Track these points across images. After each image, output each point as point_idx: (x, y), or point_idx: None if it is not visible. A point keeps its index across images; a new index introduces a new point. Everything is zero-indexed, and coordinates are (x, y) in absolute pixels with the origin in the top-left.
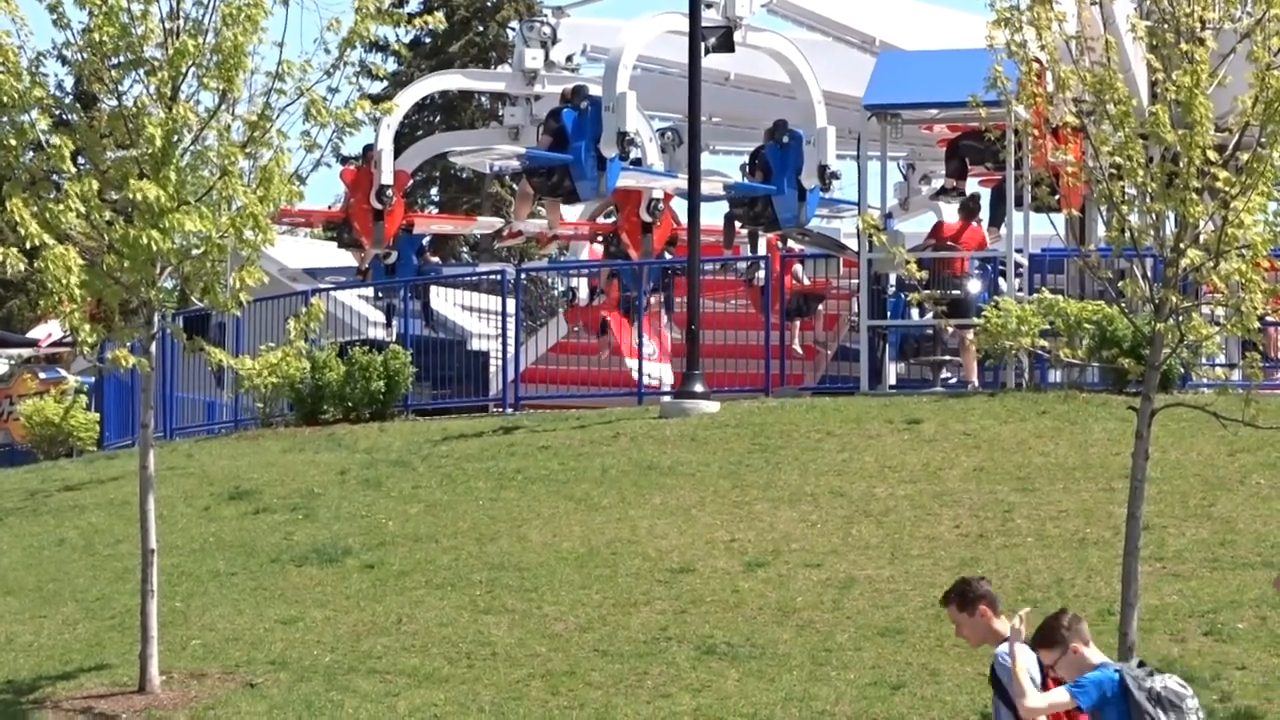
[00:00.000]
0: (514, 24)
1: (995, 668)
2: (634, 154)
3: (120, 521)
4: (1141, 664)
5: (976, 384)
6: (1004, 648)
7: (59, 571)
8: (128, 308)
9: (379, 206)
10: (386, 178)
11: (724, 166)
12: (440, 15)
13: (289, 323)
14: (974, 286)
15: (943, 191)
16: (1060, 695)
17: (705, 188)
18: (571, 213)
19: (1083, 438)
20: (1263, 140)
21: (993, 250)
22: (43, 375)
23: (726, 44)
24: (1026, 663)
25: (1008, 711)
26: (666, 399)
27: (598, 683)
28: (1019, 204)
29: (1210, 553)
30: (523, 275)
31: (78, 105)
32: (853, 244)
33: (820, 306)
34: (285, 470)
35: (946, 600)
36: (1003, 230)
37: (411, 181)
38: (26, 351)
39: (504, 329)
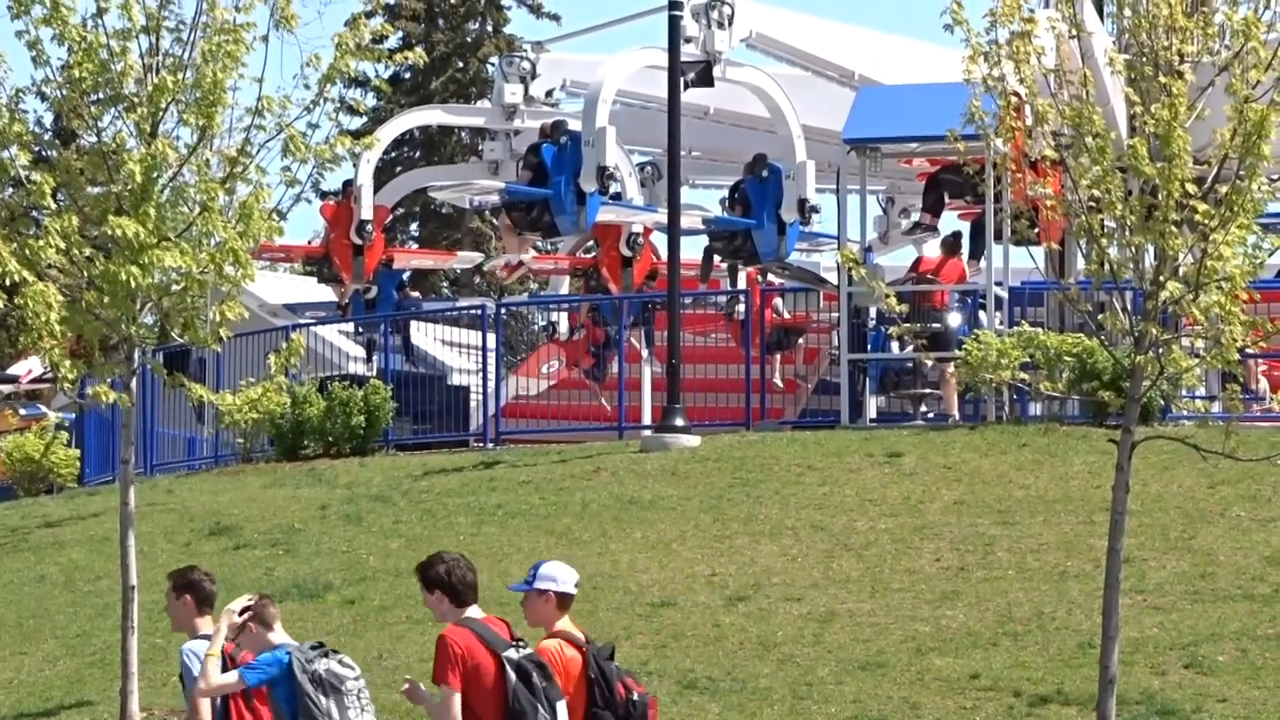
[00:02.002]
0: (494, 59)
1: (183, 658)
2: (614, 188)
3: (101, 558)
4: (318, 645)
5: (957, 417)
6: (192, 643)
7: (39, 608)
8: (108, 344)
9: (359, 241)
10: (366, 213)
11: (704, 201)
12: (420, 51)
13: (269, 358)
14: (954, 320)
15: (917, 227)
16: (230, 677)
17: (685, 222)
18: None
19: (1063, 470)
20: (1241, 173)
21: (972, 283)
22: (23, 411)
23: (706, 79)
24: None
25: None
26: (647, 433)
27: None
28: (998, 237)
29: (1191, 585)
30: (503, 310)
31: (57, 141)
32: (832, 277)
33: (800, 340)
34: (266, 506)
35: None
36: (982, 263)
37: (391, 216)
38: (7, 388)
39: (484, 364)
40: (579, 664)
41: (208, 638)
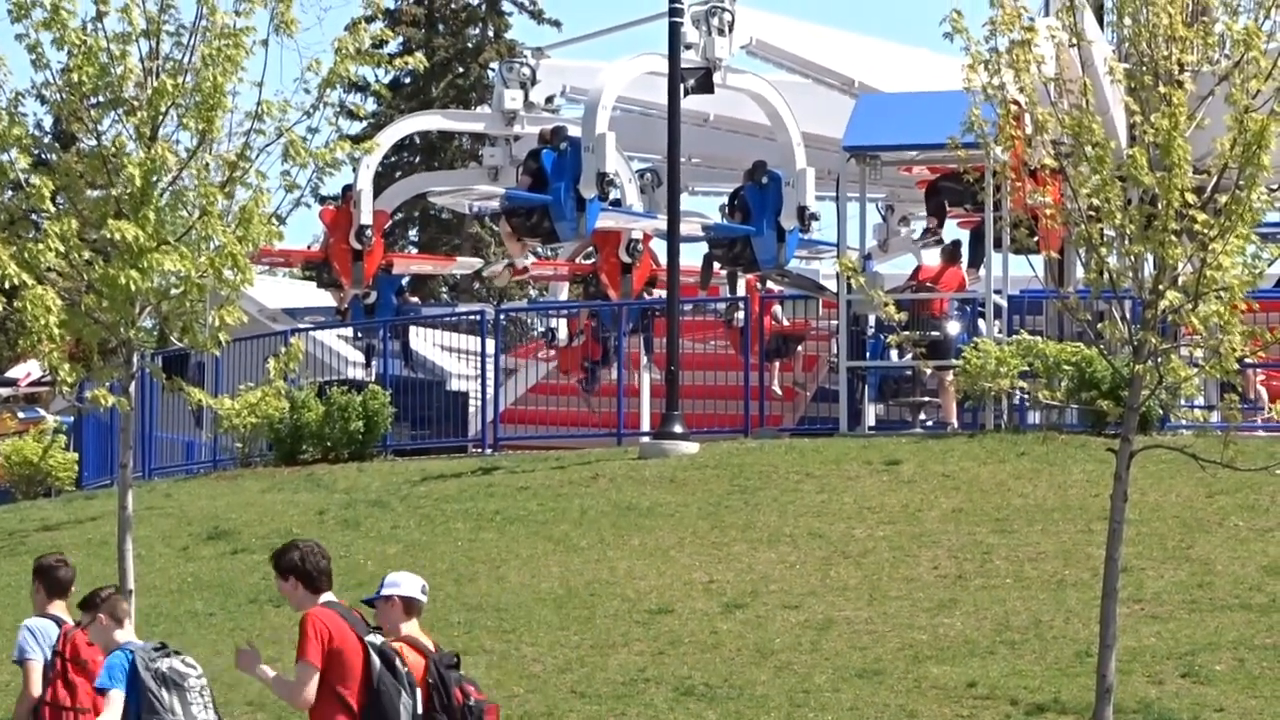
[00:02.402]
0: (494, 65)
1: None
2: (613, 195)
3: (98, 561)
4: (160, 646)
5: (955, 425)
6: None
7: None
8: (107, 347)
9: (358, 246)
10: (366, 218)
11: (703, 207)
12: (421, 56)
13: (268, 363)
14: (953, 328)
15: (927, 233)
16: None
17: (684, 229)
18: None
19: (1061, 479)
20: (1241, 182)
21: (972, 292)
22: (21, 415)
23: (706, 85)
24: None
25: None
26: (645, 440)
27: None
28: (998, 246)
29: (1188, 594)
30: (502, 316)
31: (57, 145)
32: (832, 285)
33: (799, 347)
34: (264, 510)
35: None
36: (981, 272)
37: (391, 222)
38: (5, 391)
39: (483, 369)
40: (420, 669)
41: (55, 619)
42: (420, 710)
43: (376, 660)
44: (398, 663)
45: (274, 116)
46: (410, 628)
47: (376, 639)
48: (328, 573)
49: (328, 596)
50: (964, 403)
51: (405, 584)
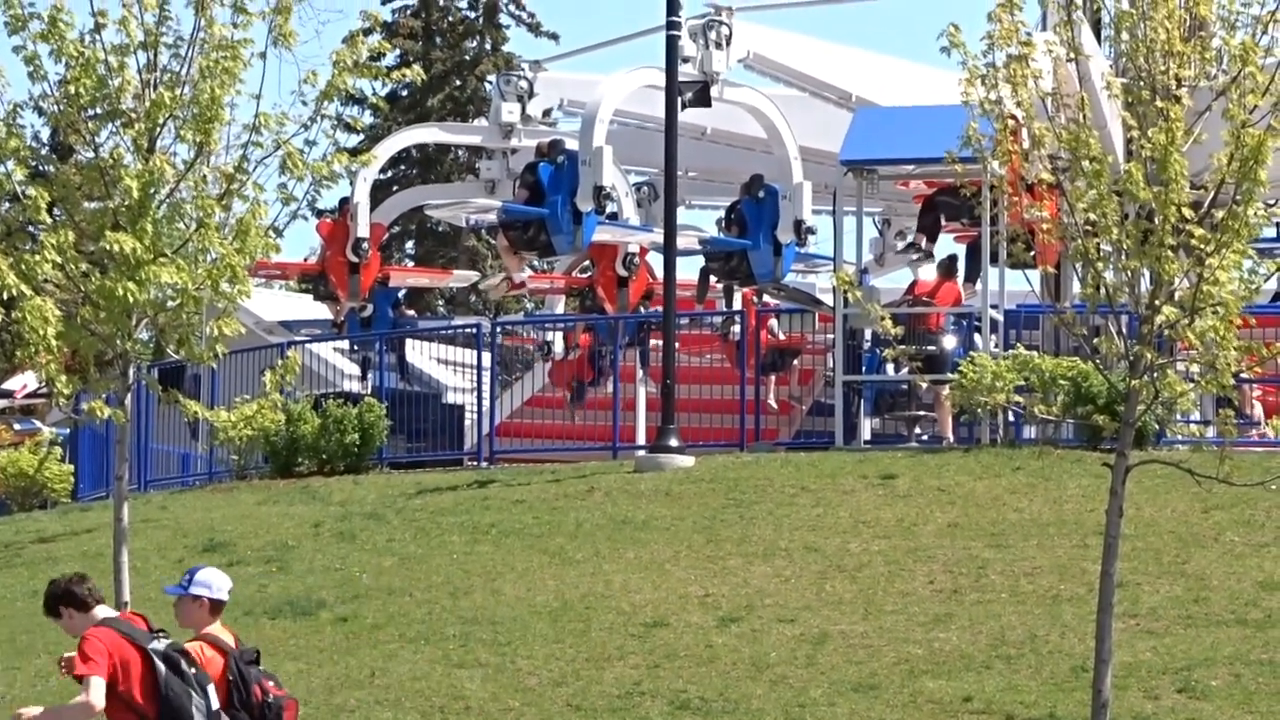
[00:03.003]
0: (491, 78)
1: None
2: (610, 208)
3: (94, 574)
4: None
5: (951, 439)
6: None
7: (32, 623)
8: (103, 359)
9: (355, 259)
10: (362, 230)
11: (700, 221)
12: (418, 68)
13: (264, 375)
14: (949, 342)
15: (911, 247)
16: None
17: (681, 242)
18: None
19: (1057, 494)
20: (1238, 198)
21: (968, 306)
22: (17, 426)
23: (703, 99)
24: None
25: None
26: (641, 453)
27: None
28: (994, 260)
29: (1184, 609)
30: (498, 329)
31: (54, 156)
32: (828, 299)
33: (795, 361)
34: (259, 523)
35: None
36: (978, 286)
37: (387, 234)
38: (1, 403)
39: (479, 382)
40: (220, 666)
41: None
42: (216, 707)
43: (161, 666)
44: (184, 665)
45: (271, 129)
46: (214, 627)
47: (160, 644)
48: (91, 589)
49: (104, 612)
50: (960, 417)
51: (215, 585)
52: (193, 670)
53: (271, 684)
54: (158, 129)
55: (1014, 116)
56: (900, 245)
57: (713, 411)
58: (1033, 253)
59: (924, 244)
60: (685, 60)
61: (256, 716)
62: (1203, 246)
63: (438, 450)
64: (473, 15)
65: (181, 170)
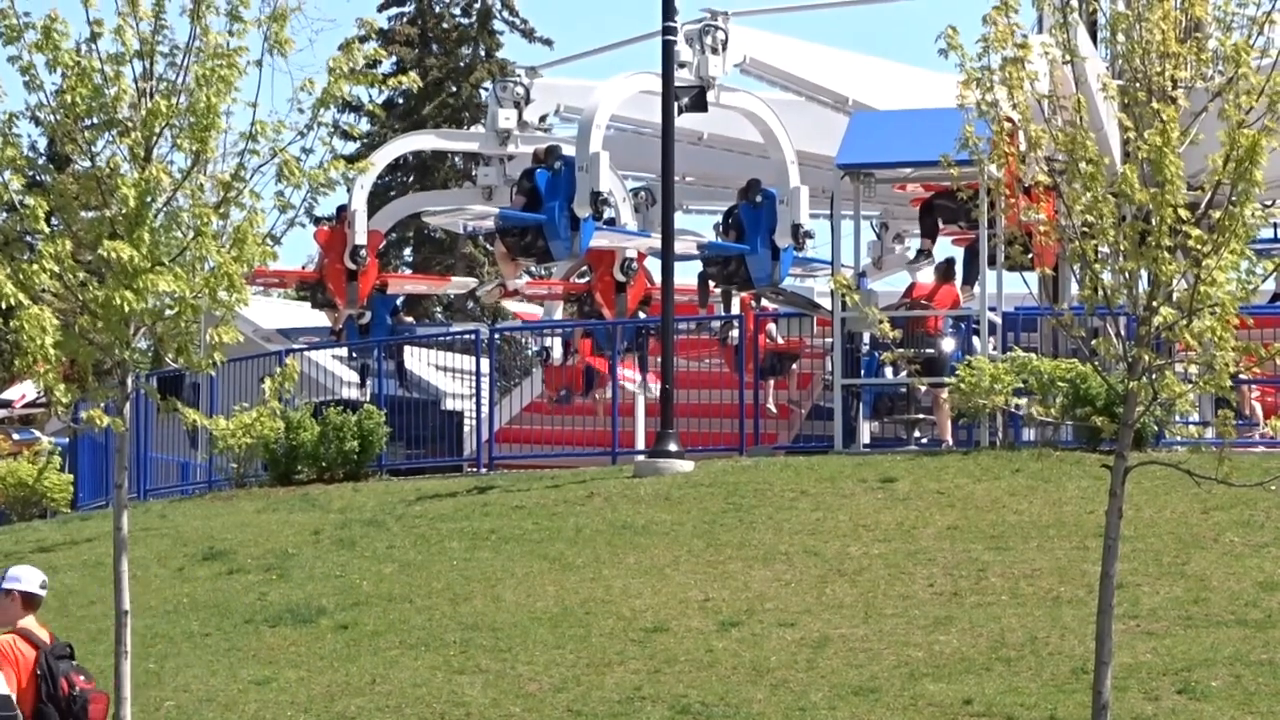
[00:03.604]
0: (487, 84)
1: None
2: (607, 214)
3: (94, 583)
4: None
5: (950, 442)
6: None
7: None
8: (102, 368)
9: (353, 267)
10: (360, 238)
11: (697, 226)
12: (414, 75)
13: (263, 383)
14: (948, 345)
15: (920, 255)
16: None
17: (679, 247)
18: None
19: (1057, 496)
20: (1234, 199)
21: (966, 309)
22: (16, 436)
23: (700, 104)
24: None
25: None
26: (640, 458)
27: None
28: (992, 263)
29: (1184, 611)
30: (496, 335)
31: (51, 166)
32: (826, 303)
33: (794, 365)
34: (259, 530)
35: None
36: (976, 289)
37: (385, 242)
38: (0, 413)
39: (478, 389)
40: (31, 660)
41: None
42: (5, 692)
43: None
44: None
45: (268, 137)
46: (27, 622)
47: None
48: None
49: None
50: (959, 420)
51: (26, 579)
52: None
53: (81, 678)
54: (154, 138)
55: (1010, 119)
56: (911, 255)
57: (712, 416)
58: (1030, 255)
59: (929, 246)
60: (681, 65)
61: (63, 709)
62: (1200, 247)
63: (437, 457)
64: (467, 22)
65: (178, 179)
